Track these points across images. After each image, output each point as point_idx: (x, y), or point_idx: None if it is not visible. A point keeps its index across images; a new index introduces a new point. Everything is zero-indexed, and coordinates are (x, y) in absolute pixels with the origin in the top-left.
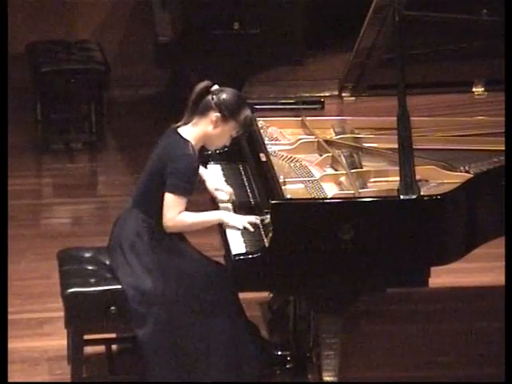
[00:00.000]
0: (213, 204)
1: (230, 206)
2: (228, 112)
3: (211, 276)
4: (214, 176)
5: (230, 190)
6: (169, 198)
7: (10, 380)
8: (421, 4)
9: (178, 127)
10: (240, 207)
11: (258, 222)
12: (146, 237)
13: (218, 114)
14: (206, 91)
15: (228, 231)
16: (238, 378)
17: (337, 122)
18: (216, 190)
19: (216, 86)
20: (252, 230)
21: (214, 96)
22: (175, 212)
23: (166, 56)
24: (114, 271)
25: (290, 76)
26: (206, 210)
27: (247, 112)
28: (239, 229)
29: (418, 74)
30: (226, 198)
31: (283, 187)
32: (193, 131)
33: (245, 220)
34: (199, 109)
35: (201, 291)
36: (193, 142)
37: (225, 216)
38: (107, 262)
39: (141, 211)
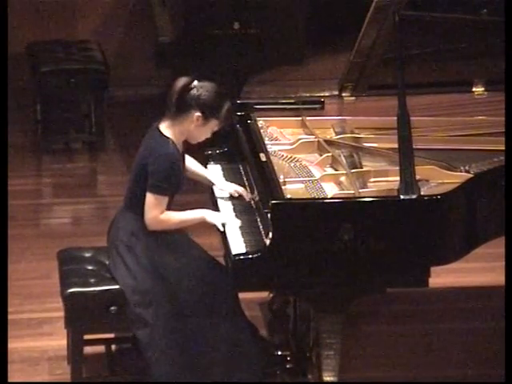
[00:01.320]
0: (213, 204)
1: (229, 203)
2: (209, 111)
3: (210, 274)
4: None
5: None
6: (149, 197)
7: (9, 380)
8: (421, 4)
9: (160, 124)
10: (240, 208)
11: (238, 222)
12: (142, 237)
13: (199, 114)
14: (187, 88)
15: (228, 231)
16: (237, 378)
17: (337, 122)
18: (231, 194)
19: (195, 82)
20: (234, 226)
21: (195, 93)
22: (156, 211)
23: (166, 56)
24: (111, 272)
25: (290, 76)
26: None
27: (228, 105)
28: (221, 226)
29: (418, 74)
30: (247, 198)
31: (283, 187)
32: (174, 128)
33: (226, 218)
34: (180, 106)
35: (200, 290)
36: (174, 139)
37: (207, 214)
38: (107, 262)
39: (134, 212)
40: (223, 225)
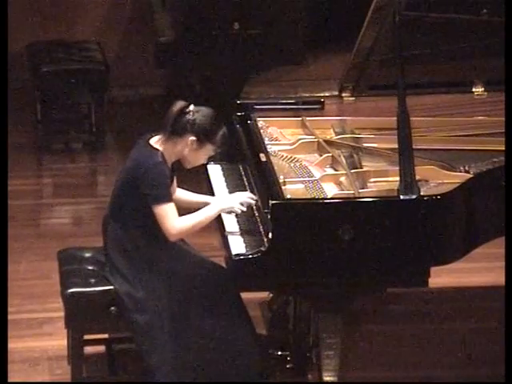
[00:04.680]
0: None
1: None
2: (204, 136)
3: (206, 275)
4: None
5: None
6: (158, 210)
7: (10, 380)
8: (421, 4)
9: (150, 138)
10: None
11: (254, 198)
12: (129, 247)
13: (194, 138)
14: (183, 111)
15: (228, 230)
16: (237, 378)
17: (337, 122)
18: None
19: (192, 107)
20: (253, 202)
21: (191, 117)
22: (172, 220)
23: (166, 56)
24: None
25: (290, 76)
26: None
27: (222, 131)
28: (241, 207)
29: (418, 74)
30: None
31: (283, 187)
32: (167, 146)
33: (239, 197)
34: (175, 129)
35: (195, 292)
36: (165, 154)
37: (221, 205)
38: None
39: (120, 223)
40: (242, 204)
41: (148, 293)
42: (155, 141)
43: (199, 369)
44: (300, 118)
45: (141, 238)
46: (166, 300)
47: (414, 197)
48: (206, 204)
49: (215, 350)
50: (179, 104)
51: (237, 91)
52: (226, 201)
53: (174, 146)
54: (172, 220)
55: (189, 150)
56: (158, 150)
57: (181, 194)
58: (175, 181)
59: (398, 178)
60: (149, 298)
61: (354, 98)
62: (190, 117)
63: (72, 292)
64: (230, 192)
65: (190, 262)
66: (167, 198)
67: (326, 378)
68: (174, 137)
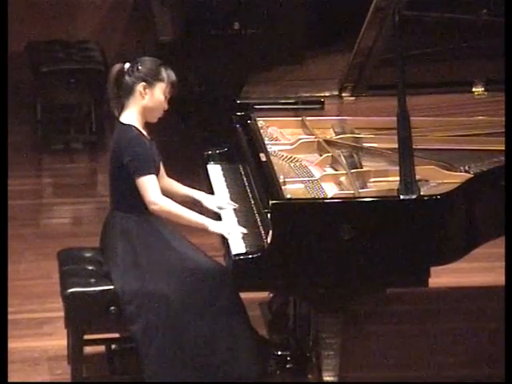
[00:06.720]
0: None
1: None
2: (150, 77)
3: (203, 272)
4: (214, 196)
5: (232, 205)
6: (140, 182)
7: (9, 380)
8: (421, 4)
9: (120, 118)
10: (240, 208)
11: (243, 232)
12: (132, 236)
13: (143, 83)
14: (121, 72)
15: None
16: (237, 378)
17: (337, 122)
18: (219, 208)
19: (127, 64)
20: (239, 233)
21: (130, 72)
22: (154, 192)
23: (166, 56)
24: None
25: (290, 76)
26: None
27: (167, 69)
28: (227, 235)
29: (418, 74)
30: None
31: (283, 187)
32: (131, 113)
33: (230, 226)
34: (123, 91)
35: (191, 288)
36: (135, 124)
37: (211, 224)
38: None
39: (123, 211)
40: (229, 233)
41: (140, 288)
42: (123, 118)
43: (198, 368)
44: (300, 118)
45: (144, 221)
46: (163, 296)
47: (414, 197)
48: (192, 197)
49: (212, 348)
50: (115, 68)
51: (237, 91)
52: (217, 225)
53: (133, 107)
54: (153, 192)
55: (144, 98)
56: (129, 125)
57: (170, 184)
58: (163, 168)
59: (398, 178)
60: (142, 293)
61: (353, 98)
62: (129, 71)
63: (72, 292)
64: (230, 192)
65: (189, 260)
66: (148, 170)
67: (326, 378)
68: (127, 97)
